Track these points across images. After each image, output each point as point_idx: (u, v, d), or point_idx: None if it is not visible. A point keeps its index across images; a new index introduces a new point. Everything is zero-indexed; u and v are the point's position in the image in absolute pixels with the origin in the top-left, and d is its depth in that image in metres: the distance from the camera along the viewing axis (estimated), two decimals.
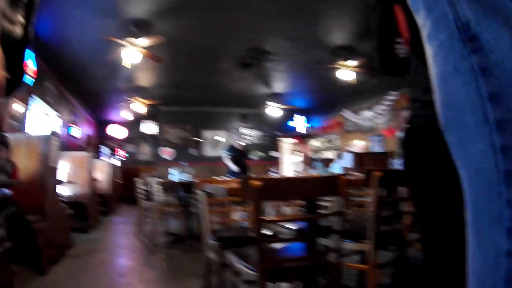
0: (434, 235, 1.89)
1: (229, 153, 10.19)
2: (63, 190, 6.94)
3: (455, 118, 0.73)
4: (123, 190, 14.05)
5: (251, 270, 2.08)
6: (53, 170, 5.09)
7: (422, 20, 0.80)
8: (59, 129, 10.95)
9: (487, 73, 0.66)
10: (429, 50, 0.78)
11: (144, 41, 7.55)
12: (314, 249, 2.53)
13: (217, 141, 16.00)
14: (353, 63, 9.47)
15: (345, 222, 3.43)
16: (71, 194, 7.59)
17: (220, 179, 5.16)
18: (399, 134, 8.38)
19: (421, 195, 1.94)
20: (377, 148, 12.65)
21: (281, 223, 3.50)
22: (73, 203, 6.89)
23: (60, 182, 5.87)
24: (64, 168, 7.61)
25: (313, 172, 10.40)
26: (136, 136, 16.90)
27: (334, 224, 2.21)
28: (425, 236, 1.99)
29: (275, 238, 2.94)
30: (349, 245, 2.73)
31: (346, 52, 9.34)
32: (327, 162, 12.52)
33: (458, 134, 0.73)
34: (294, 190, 2.10)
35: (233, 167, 9.96)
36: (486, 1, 0.68)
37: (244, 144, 10.99)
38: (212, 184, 3.15)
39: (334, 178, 2.22)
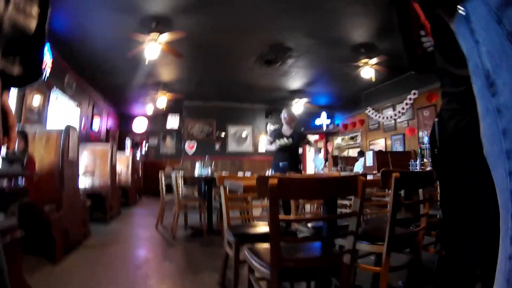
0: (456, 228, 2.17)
1: (272, 138, 7.36)
2: (83, 182, 7.05)
3: (488, 148, 0.90)
4: (145, 183, 14.19)
5: (264, 267, 2.09)
6: (71, 162, 5.18)
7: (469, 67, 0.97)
8: (79, 122, 11.10)
9: (500, 113, 0.82)
10: (474, 91, 0.94)
11: (164, 37, 7.65)
12: (329, 249, 2.52)
13: (241, 137, 16.04)
14: (373, 60, 9.52)
15: (362, 223, 3.46)
16: (90, 185, 7.71)
17: (240, 175, 5.16)
18: (424, 132, 8.32)
19: (447, 187, 2.21)
20: (398, 147, 12.59)
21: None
22: (92, 194, 7.02)
23: (79, 174, 5.96)
24: (84, 160, 7.73)
25: (335, 170, 10.35)
26: (159, 130, 17.04)
27: (350, 224, 2.22)
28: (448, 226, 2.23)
29: (290, 236, 2.96)
30: (364, 246, 2.72)
31: (366, 50, 9.40)
32: (349, 160, 12.48)
33: (490, 160, 0.90)
34: (310, 190, 2.09)
35: (278, 159, 7.24)
36: (500, 52, 0.83)
37: (295, 122, 7.62)
38: (230, 180, 3.17)
39: (352, 179, 2.20)
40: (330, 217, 2.73)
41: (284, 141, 7.17)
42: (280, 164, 7.09)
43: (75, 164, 5.37)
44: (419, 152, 4.72)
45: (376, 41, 9.06)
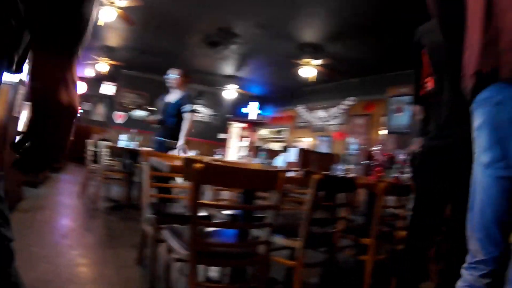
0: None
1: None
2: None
3: None
4: (75, 148, 13.75)
5: (183, 249, 2.14)
6: (16, 119, 4.94)
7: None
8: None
9: None
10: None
11: (122, 2, 7.50)
12: (245, 238, 2.62)
13: None
14: (317, 61, 9.64)
15: (280, 217, 3.58)
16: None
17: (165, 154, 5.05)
18: (349, 139, 8.58)
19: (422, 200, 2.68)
20: (324, 149, 12.84)
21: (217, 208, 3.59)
22: None
23: (19, 133, 5.73)
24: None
25: (256, 161, 10.41)
26: (93, 95, 16.52)
27: (268, 217, 2.31)
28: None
29: (209, 221, 3.02)
30: (280, 240, 2.82)
31: (313, 49, 9.52)
32: (272, 153, 12.61)
33: None
34: (234, 179, 2.18)
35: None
36: None
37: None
38: (156, 158, 3.17)
39: (274, 173, 2.29)
40: (250, 207, 2.82)
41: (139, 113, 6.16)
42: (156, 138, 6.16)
43: (17, 121, 5.14)
44: (344, 157, 4.89)
45: (325, 43, 9.24)
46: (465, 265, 1.63)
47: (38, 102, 0.79)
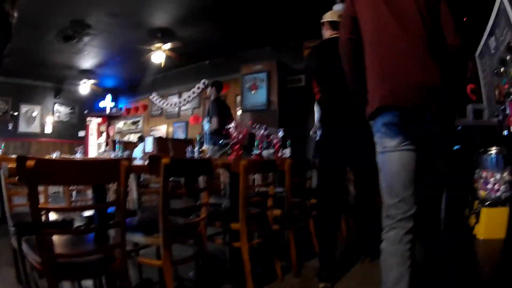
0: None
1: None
2: None
3: None
4: None
5: (38, 263, 1.80)
6: None
7: None
8: None
9: None
10: None
11: None
12: (103, 241, 2.24)
13: (32, 116, 14.51)
14: (167, 45, 9.47)
15: (139, 211, 3.22)
16: None
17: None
18: (205, 122, 8.49)
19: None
20: (180, 135, 12.72)
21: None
22: None
23: None
24: None
25: (115, 155, 9.93)
26: None
27: (116, 215, 2.02)
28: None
29: (57, 228, 2.61)
30: (139, 238, 2.53)
31: (163, 34, 9.34)
32: (129, 145, 12.14)
33: None
34: (71, 174, 1.88)
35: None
36: None
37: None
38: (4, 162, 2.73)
39: (114, 163, 2.03)
40: (95, 206, 2.47)
41: None
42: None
43: None
44: (198, 139, 4.68)
45: (175, 27, 9.04)
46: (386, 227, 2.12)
47: None
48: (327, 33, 3.75)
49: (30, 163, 1.67)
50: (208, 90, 7.65)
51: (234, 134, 3.74)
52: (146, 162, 2.56)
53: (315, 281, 3.28)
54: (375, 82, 2.20)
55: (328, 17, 3.76)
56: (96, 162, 2.03)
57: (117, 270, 2.05)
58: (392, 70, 2.10)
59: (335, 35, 3.41)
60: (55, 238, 2.17)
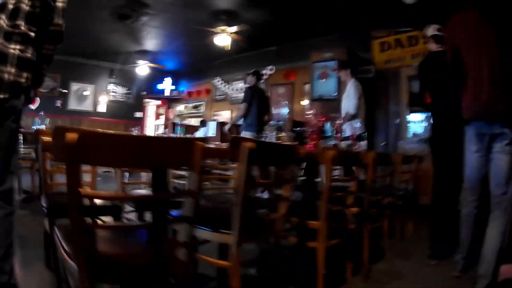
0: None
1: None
2: None
3: None
4: None
5: (70, 258, 1.43)
6: None
7: None
8: None
9: None
10: None
11: None
12: (159, 239, 1.75)
13: (83, 95, 14.62)
14: (232, 29, 9.09)
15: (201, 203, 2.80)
16: None
17: None
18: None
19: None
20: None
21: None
22: None
23: None
24: None
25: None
26: None
27: (185, 208, 1.61)
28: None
29: (101, 214, 2.22)
30: (204, 233, 2.11)
31: (227, 17, 8.99)
32: (190, 128, 11.93)
33: None
34: (127, 152, 1.41)
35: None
36: None
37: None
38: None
39: (187, 142, 1.58)
40: (157, 195, 1.89)
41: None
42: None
43: None
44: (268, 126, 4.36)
45: (240, 9, 8.69)
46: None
47: None
48: (433, 46, 4.26)
49: (72, 136, 1.22)
50: (249, 78, 7.90)
51: (312, 123, 3.38)
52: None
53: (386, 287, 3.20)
54: None
55: (431, 32, 4.26)
56: (162, 138, 1.60)
57: (179, 275, 1.66)
58: None
59: (440, 49, 4.06)
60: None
